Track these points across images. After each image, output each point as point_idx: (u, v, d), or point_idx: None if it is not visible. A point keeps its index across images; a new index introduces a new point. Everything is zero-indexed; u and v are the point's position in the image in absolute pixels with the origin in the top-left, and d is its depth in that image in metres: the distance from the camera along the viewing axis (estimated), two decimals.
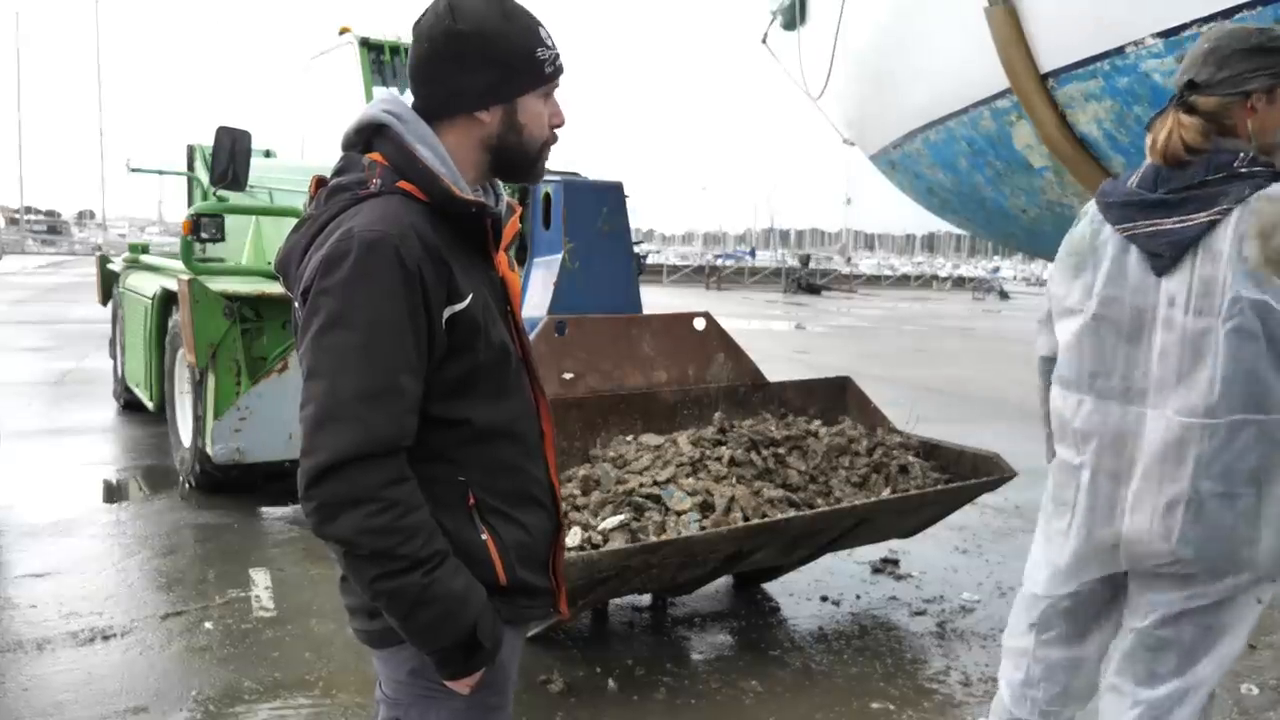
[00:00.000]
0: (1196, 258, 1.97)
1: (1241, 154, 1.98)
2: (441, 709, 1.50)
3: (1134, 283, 2.06)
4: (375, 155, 1.46)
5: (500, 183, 1.62)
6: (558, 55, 1.51)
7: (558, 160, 6.89)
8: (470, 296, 1.42)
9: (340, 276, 1.33)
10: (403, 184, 1.42)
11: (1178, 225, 1.99)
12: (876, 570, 4.73)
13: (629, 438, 3.95)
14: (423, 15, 1.49)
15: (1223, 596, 2.07)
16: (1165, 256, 2.00)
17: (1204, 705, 2.14)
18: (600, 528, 3.23)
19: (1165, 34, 4.92)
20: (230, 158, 5.37)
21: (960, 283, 48.46)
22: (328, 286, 1.34)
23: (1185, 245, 1.98)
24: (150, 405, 6.68)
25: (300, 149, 8.24)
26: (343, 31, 6.73)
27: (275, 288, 5.21)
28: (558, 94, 1.54)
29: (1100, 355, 2.13)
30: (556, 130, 1.54)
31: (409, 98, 1.54)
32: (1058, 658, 2.34)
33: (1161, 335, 2.02)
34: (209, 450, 5.22)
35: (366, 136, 1.48)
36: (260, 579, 4.36)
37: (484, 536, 1.47)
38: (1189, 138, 2.01)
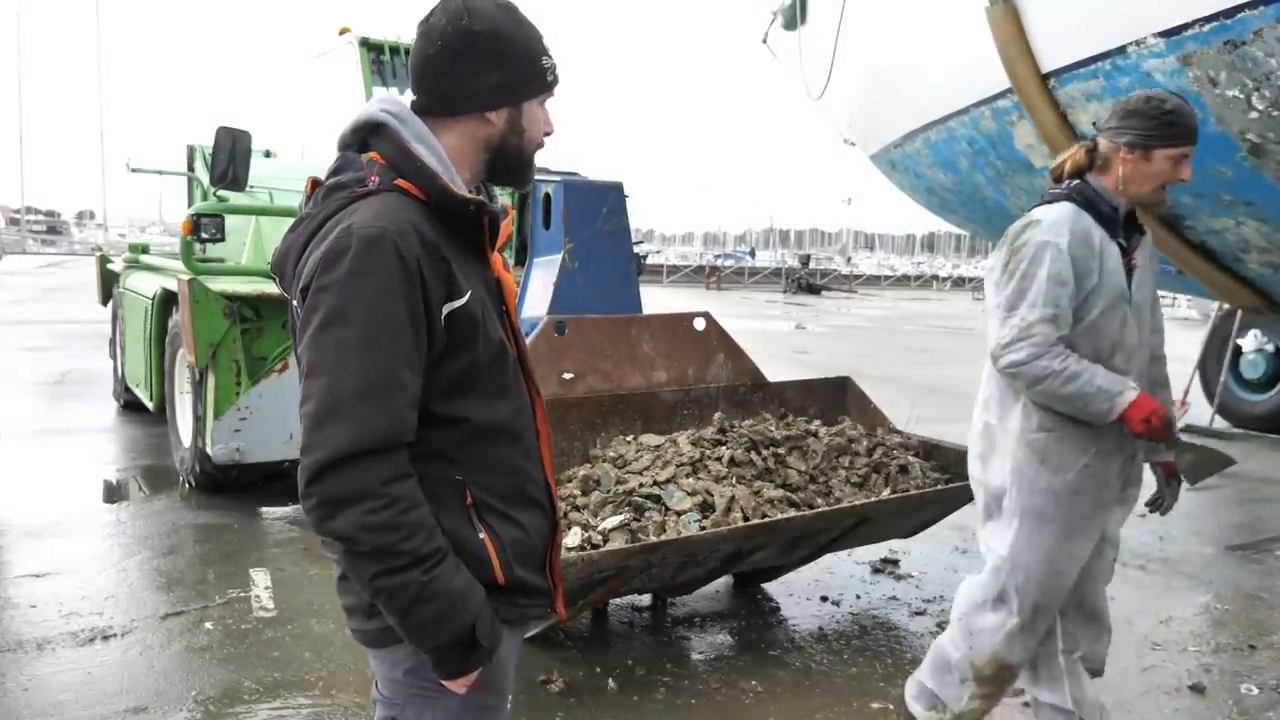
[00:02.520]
0: None
1: (1065, 184, 2.55)
2: (437, 708, 1.50)
3: None
4: (373, 154, 1.46)
5: (492, 186, 1.64)
6: (557, 65, 1.55)
7: (558, 160, 6.89)
8: (469, 293, 1.42)
9: (339, 273, 1.33)
10: (400, 182, 1.42)
11: None
12: (876, 570, 4.73)
13: (629, 438, 3.95)
14: (432, 14, 1.48)
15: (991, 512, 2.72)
16: None
17: (1017, 624, 2.66)
18: (600, 528, 3.23)
19: (1167, 33, 4.92)
20: (230, 158, 5.36)
21: (960, 283, 48.41)
22: (327, 283, 1.34)
23: None
24: (150, 405, 6.67)
25: (300, 149, 8.24)
26: (343, 32, 6.74)
27: (275, 288, 5.19)
28: (549, 104, 1.58)
29: None
30: (545, 138, 1.58)
31: (408, 98, 1.54)
32: None
33: None
34: (209, 450, 5.22)
35: (363, 136, 1.48)
36: (260, 579, 4.36)
37: (482, 536, 1.47)
38: (1067, 167, 2.57)
